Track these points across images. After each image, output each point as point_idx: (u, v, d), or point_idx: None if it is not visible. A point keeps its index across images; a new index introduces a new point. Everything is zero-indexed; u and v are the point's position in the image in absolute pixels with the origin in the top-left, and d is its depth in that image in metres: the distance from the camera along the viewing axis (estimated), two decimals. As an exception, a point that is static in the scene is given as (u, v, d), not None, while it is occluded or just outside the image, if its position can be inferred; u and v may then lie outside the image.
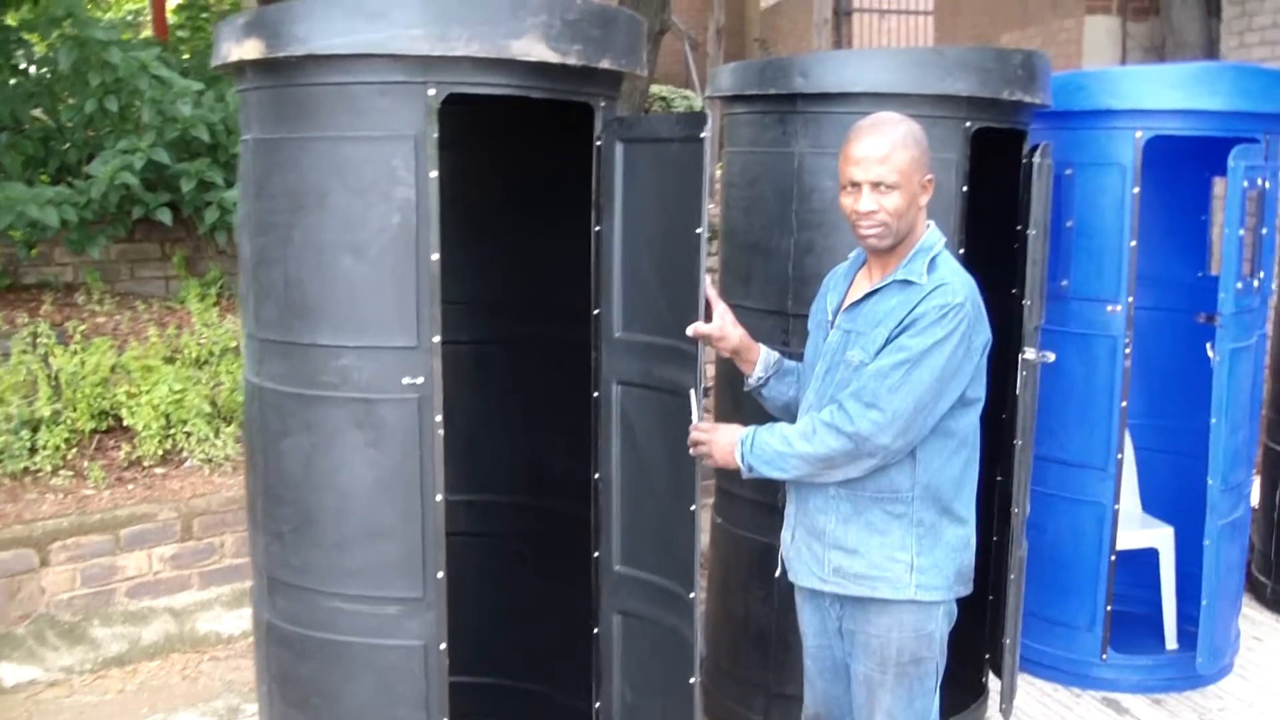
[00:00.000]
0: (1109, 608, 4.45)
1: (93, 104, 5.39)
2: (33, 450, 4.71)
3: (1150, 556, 4.76)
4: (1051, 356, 3.73)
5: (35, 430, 4.80)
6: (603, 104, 3.04)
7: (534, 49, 2.75)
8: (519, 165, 3.83)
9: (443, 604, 2.94)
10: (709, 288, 2.86)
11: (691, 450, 2.81)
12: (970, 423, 2.73)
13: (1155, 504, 4.97)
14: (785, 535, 2.92)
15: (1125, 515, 4.51)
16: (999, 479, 3.84)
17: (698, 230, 2.76)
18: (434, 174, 2.78)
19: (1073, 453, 4.46)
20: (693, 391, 2.84)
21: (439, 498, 2.90)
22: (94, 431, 4.97)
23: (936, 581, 2.71)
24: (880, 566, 2.70)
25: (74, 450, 4.85)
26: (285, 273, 2.92)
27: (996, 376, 3.71)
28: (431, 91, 2.75)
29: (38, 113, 6.04)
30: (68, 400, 4.92)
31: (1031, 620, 4.51)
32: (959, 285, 2.64)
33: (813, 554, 2.79)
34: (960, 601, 2.85)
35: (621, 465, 3.15)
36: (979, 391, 2.73)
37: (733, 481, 4.02)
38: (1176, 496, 4.96)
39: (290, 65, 2.83)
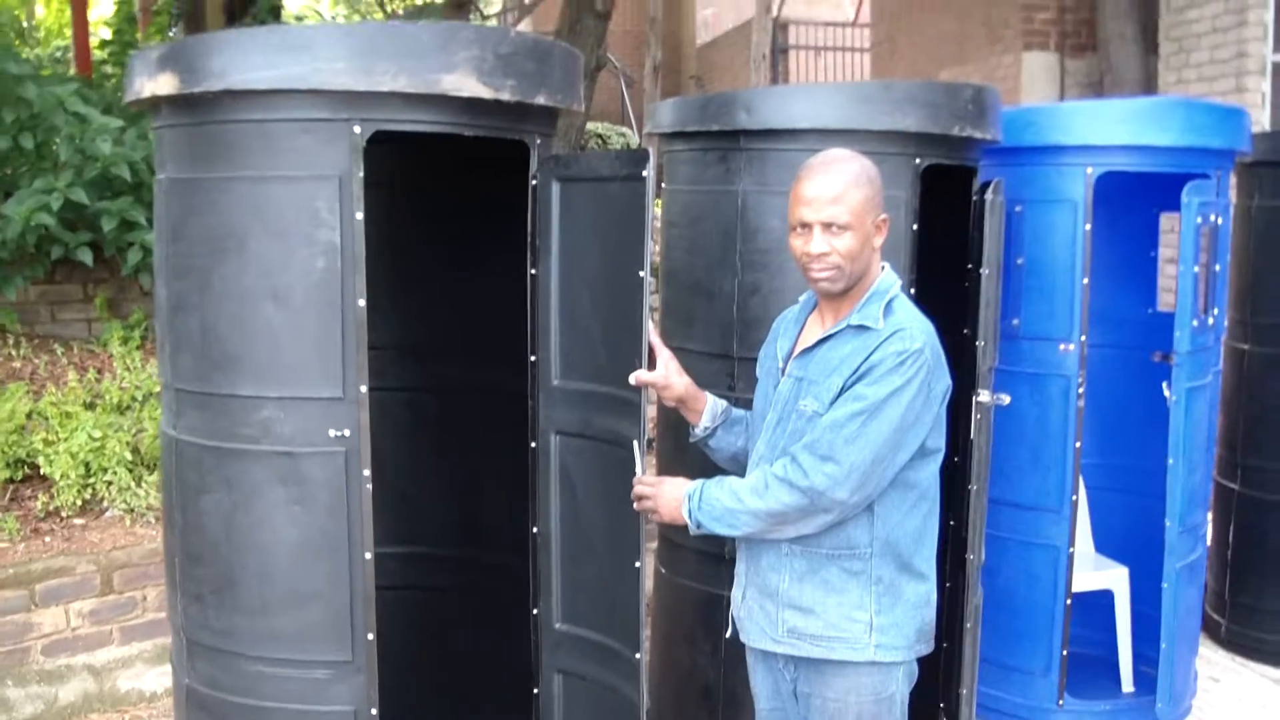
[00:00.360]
0: (1065, 652, 4.36)
1: (6, 140, 5.20)
2: (-57, 501, 4.50)
3: (1104, 598, 4.69)
4: (1006, 399, 3.65)
5: (-54, 480, 4.60)
6: (539, 141, 2.93)
7: (466, 84, 2.63)
8: (452, 205, 3.71)
9: (373, 667, 2.80)
10: (652, 333, 2.74)
11: (636, 505, 2.69)
12: (930, 474, 2.64)
13: (1107, 544, 4.91)
14: (736, 594, 2.80)
15: (1079, 556, 4.44)
16: (952, 524, 3.75)
17: (640, 273, 2.65)
18: (359, 215, 2.65)
19: (1026, 495, 4.38)
20: (635, 443, 2.72)
21: (368, 555, 2.76)
22: (9, 481, 4.76)
23: (897, 641, 2.60)
24: (837, 626, 2.59)
25: (-14, 501, 4.65)
26: (202, 320, 2.78)
27: (951, 420, 3.64)
28: (357, 129, 2.63)
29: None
30: (-19, 447, 4.71)
31: (986, 666, 4.40)
32: (917, 330, 2.54)
33: (765, 614, 2.68)
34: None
35: (561, 519, 3.03)
36: (939, 441, 2.64)
37: (676, 530, 3.90)
38: (1129, 536, 4.90)
39: (207, 101, 2.70)
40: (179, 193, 2.82)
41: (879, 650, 2.58)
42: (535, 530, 3.06)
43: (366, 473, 2.73)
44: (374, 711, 2.81)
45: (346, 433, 2.71)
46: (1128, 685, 4.65)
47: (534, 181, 2.93)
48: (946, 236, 3.70)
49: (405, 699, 3.59)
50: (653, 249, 2.75)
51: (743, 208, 3.60)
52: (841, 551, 2.57)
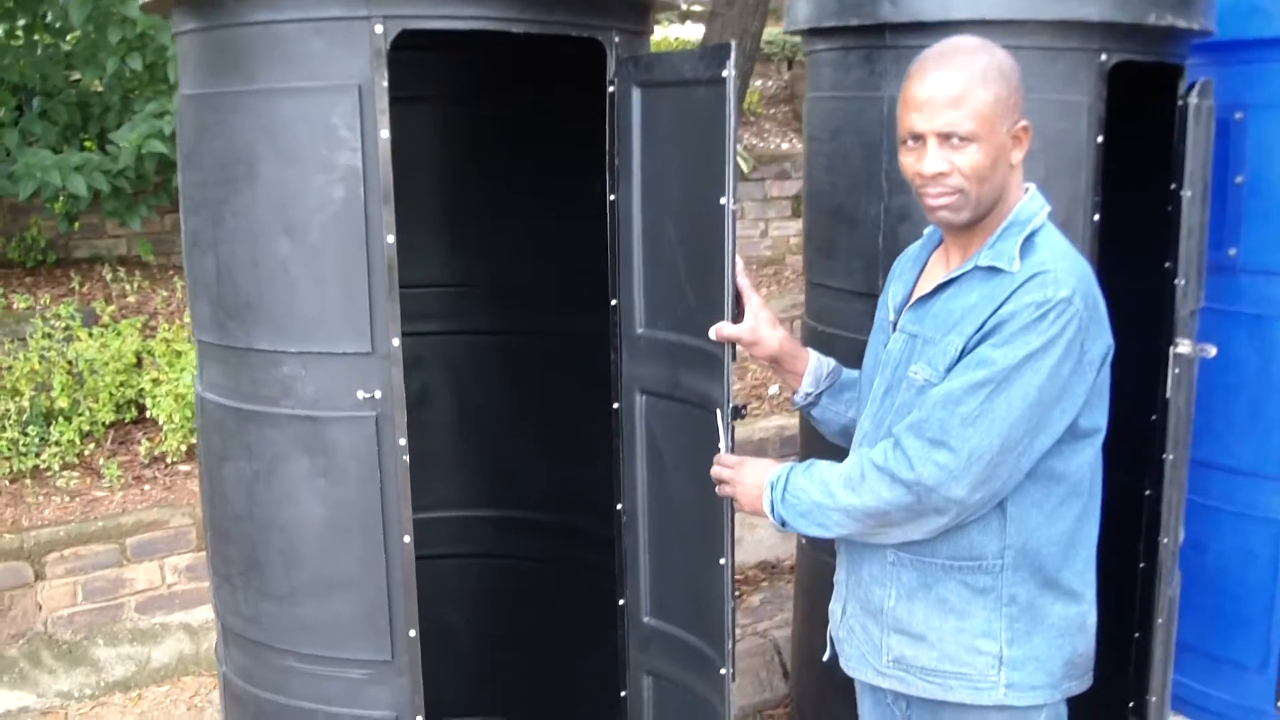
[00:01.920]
0: (1286, 645, 3.73)
1: (114, 63, 4.98)
2: (47, 445, 4.34)
3: (1338, 583, 4.00)
4: (1212, 350, 3.02)
5: (51, 423, 4.44)
6: (617, 40, 2.45)
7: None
8: (526, 119, 3.27)
9: (416, 668, 2.43)
10: (740, 275, 2.25)
11: (717, 490, 2.22)
12: (1085, 462, 2.05)
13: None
14: (834, 608, 2.31)
15: (1306, 534, 3.77)
16: (1147, 494, 3.16)
17: (721, 200, 2.16)
18: (385, 134, 2.23)
19: (1242, 458, 3.73)
20: (719, 410, 2.25)
21: (407, 539, 2.38)
22: (116, 424, 4.58)
23: (1036, 679, 2.06)
24: (957, 659, 2.07)
25: (91, 445, 4.47)
26: (217, 260, 2.42)
27: (1144, 374, 3.05)
28: (378, 28, 2.21)
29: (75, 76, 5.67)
30: (89, 390, 4.54)
31: (1189, 655, 3.82)
32: (1064, 273, 1.96)
33: (868, 636, 2.18)
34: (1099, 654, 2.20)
35: (648, 495, 2.59)
36: (1098, 419, 2.05)
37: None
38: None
39: (214, 2, 2.31)
40: (192, 111, 2.46)
41: (1011, 691, 2.05)
42: (620, 507, 2.63)
43: (402, 442, 2.33)
44: (419, 719, 2.44)
45: (377, 394, 2.32)
46: (1367, 687, 3.97)
47: (611, 88, 2.46)
48: (1141, 151, 3.07)
49: (480, 677, 3.27)
50: (735, 170, 2.24)
51: (889, 116, 3.05)
52: (963, 562, 2.04)
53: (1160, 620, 3.12)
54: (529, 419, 3.47)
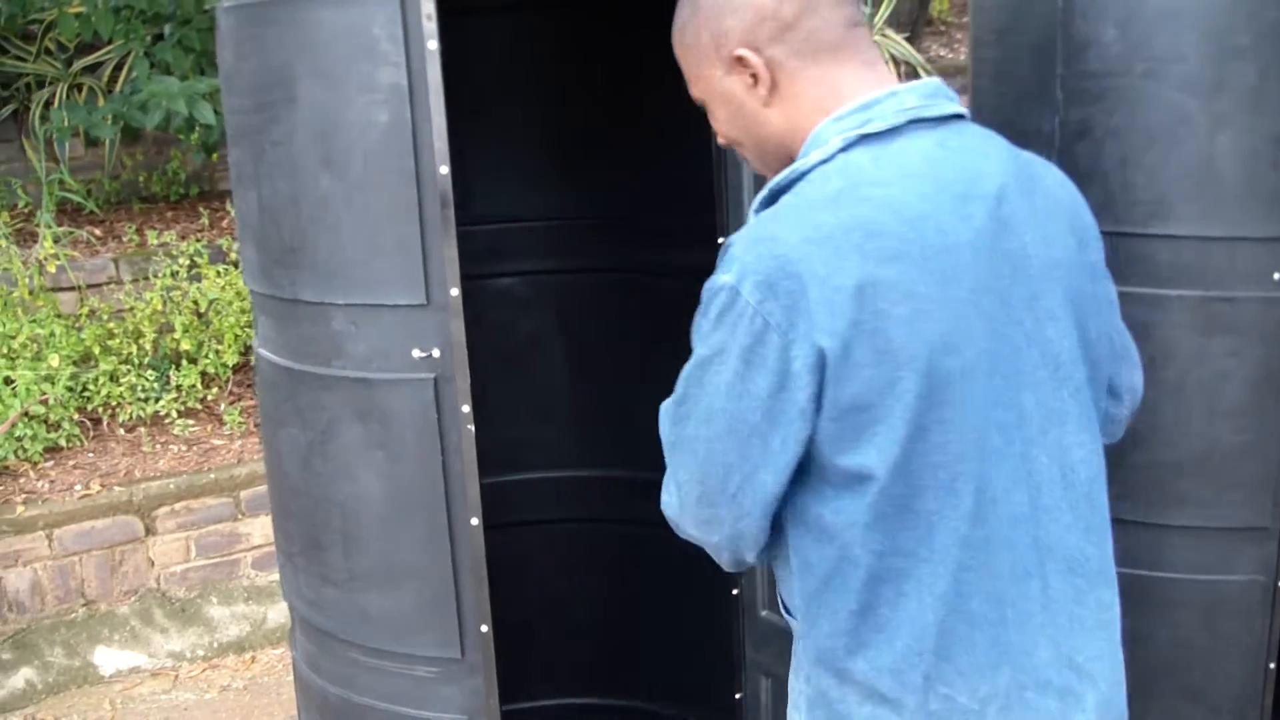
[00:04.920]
0: None
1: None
2: (168, 390, 4.22)
3: None
4: None
5: (177, 366, 4.32)
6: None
7: None
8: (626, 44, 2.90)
9: (490, 666, 2.15)
10: None
11: None
12: (854, 520, 1.41)
13: None
14: None
15: None
16: None
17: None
18: (433, 44, 1.92)
19: None
20: None
21: (475, 521, 2.09)
22: (239, 367, 4.45)
23: None
24: None
25: (214, 390, 4.34)
26: (259, 198, 2.15)
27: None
28: (421, -83, 1.87)
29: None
30: (214, 331, 4.41)
31: None
32: (744, 246, 1.39)
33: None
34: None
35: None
36: (866, 460, 1.38)
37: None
38: None
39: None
40: (230, 26, 2.18)
41: None
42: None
43: (466, 409, 2.04)
44: (494, 724, 2.17)
45: (435, 353, 2.02)
46: None
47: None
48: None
49: (593, 651, 3.00)
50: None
51: (1065, 11, 2.61)
52: (790, 619, 1.60)
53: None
54: (652, 367, 3.14)
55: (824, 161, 1.42)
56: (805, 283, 1.33)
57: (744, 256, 1.37)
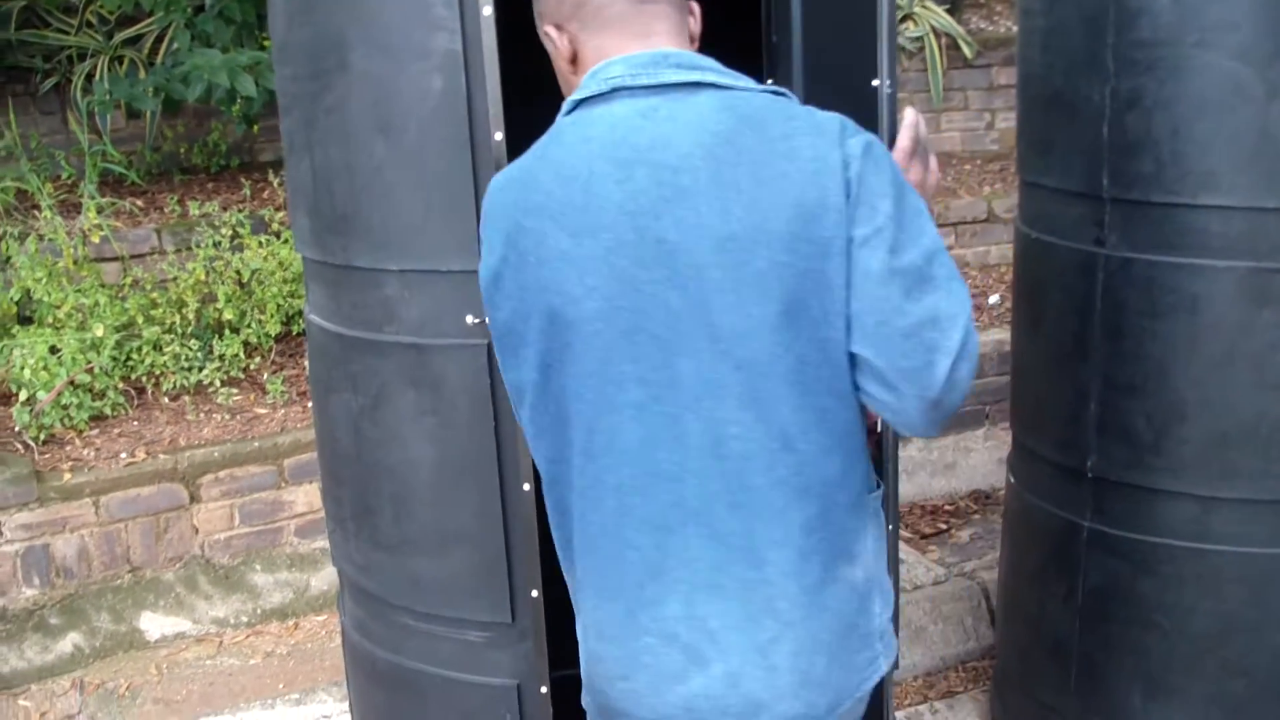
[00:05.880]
0: None
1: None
2: (211, 359, 4.25)
3: None
4: None
5: (220, 335, 4.35)
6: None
7: None
8: None
9: (540, 631, 2.17)
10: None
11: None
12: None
13: None
14: None
15: None
16: None
17: (874, 82, 1.78)
18: (488, 10, 1.92)
19: None
20: None
21: (526, 487, 2.10)
22: (281, 337, 4.47)
23: None
24: None
25: (256, 359, 4.37)
26: (313, 166, 2.16)
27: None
28: (476, -122, 1.88)
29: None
30: (256, 301, 4.43)
31: None
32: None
33: None
34: None
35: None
36: (516, 374, 1.68)
37: (1029, 433, 3.02)
38: None
39: None
40: (284, -9, 2.18)
41: None
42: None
43: (519, 375, 2.04)
44: (544, 689, 2.18)
45: (488, 319, 2.02)
46: None
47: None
48: None
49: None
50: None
51: (1116, -21, 2.60)
52: None
53: None
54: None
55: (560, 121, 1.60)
56: (486, 218, 1.61)
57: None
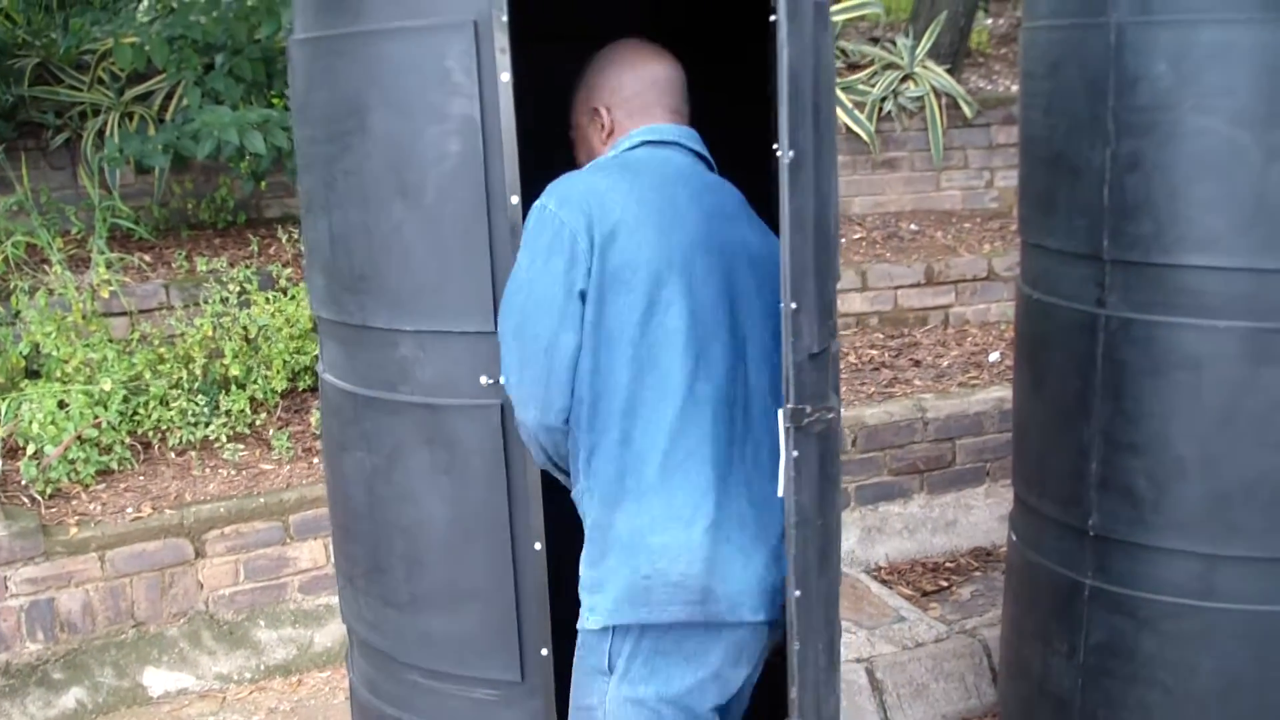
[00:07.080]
0: None
1: (290, 17, 4.83)
2: (217, 414, 4.27)
3: None
4: None
5: (226, 391, 4.37)
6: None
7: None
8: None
9: (549, 690, 2.18)
10: None
11: None
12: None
13: None
14: None
15: None
16: None
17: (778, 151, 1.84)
18: (506, 76, 1.96)
19: None
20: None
21: (538, 546, 2.12)
22: (287, 393, 4.49)
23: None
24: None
25: (262, 415, 4.39)
26: (330, 226, 2.20)
27: None
28: (494, -46, 1.92)
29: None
30: (262, 357, 4.45)
31: None
32: (564, 185, 2.03)
33: None
34: None
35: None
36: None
37: (1031, 490, 3.04)
38: None
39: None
40: (302, 58, 2.23)
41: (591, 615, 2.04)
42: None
43: (532, 434, 2.06)
44: (555, 748, 2.19)
45: (502, 380, 2.05)
46: None
47: (774, 18, 2.11)
48: None
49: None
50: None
51: (1117, 46, 2.66)
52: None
53: None
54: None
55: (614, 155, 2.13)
56: (604, 200, 1.98)
57: (559, 188, 2.00)
